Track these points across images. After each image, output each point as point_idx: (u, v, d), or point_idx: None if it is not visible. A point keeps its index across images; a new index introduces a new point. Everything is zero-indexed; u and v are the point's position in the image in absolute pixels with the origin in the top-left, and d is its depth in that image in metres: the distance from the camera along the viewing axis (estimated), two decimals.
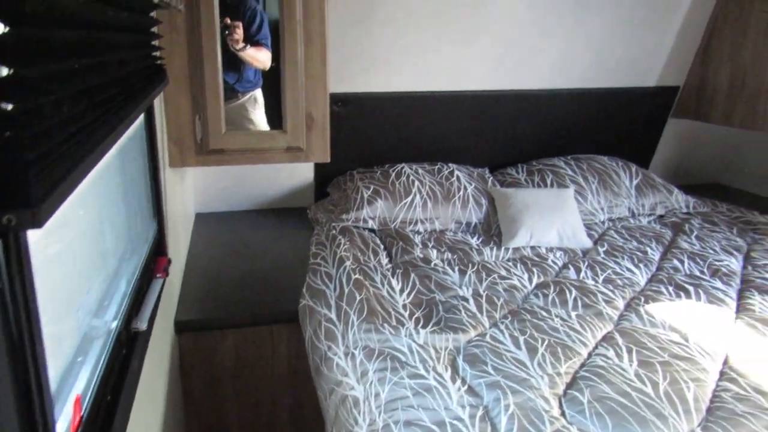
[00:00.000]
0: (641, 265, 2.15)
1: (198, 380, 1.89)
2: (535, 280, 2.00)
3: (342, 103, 2.69)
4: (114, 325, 0.93)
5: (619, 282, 2.00)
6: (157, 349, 1.40)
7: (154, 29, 1.29)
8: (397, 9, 2.48)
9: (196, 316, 1.86)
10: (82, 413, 0.73)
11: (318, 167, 2.84)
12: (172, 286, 1.78)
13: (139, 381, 1.02)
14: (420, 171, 2.63)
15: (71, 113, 0.61)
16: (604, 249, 2.30)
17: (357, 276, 1.85)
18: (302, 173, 2.86)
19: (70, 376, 0.83)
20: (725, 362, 1.54)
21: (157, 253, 1.34)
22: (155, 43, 1.33)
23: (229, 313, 1.90)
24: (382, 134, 2.81)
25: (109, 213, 1.12)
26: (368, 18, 2.49)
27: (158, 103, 1.72)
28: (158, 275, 1.23)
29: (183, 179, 2.26)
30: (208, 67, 1.78)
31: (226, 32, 1.98)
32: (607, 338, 1.62)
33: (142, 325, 1.01)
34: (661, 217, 2.72)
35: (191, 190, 2.70)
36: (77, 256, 0.92)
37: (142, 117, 1.31)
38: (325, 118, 1.96)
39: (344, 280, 1.83)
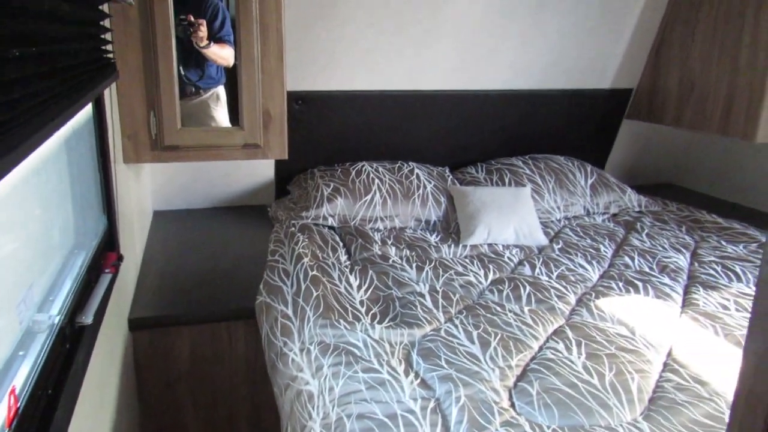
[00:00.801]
0: (594, 262, 2.21)
1: (153, 378, 1.87)
2: (490, 277, 2.03)
3: (302, 102, 2.69)
4: (58, 319, 0.92)
5: (572, 278, 2.05)
6: (108, 345, 1.38)
7: (105, 23, 1.28)
8: (357, 8, 2.49)
9: (150, 313, 1.83)
10: (18, 405, 0.72)
11: (278, 165, 2.83)
12: (125, 282, 1.75)
13: (85, 376, 1.01)
14: (380, 169, 2.65)
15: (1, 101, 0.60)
16: (559, 246, 2.36)
17: (314, 273, 1.86)
18: (263, 171, 2.85)
19: (10, 369, 0.82)
20: (669, 354, 1.60)
21: (107, 249, 1.33)
22: (105, 36, 1.31)
23: (185, 310, 1.88)
24: (343, 133, 2.82)
25: (53, 207, 1.10)
26: (329, 17, 2.49)
27: (111, 98, 1.69)
28: (106, 270, 1.22)
29: (139, 176, 2.23)
30: (162, 62, 1.76)
31: (190, 30, 1.97)
32: (558, 332, 1.66)
33: (88, 319, 1.00)
34: (614, 215, 2.80)
35: (149, 188, 2.66)
36: (18, 251, 0.91)
37: (90, 110, 1.29)
38: (283, 115, 1.96)
39: (301, 277, 1.83)
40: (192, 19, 1.95)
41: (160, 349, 1.85)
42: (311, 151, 2.81)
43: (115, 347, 1.52)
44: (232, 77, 2.08)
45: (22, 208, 0.93)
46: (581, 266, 2.16)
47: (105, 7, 1.41)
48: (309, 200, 2.49)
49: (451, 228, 2.51)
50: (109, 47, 1.35)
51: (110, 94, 1.68)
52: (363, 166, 2.67)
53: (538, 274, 2.07)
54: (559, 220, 2.69)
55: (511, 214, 2.45)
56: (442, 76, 2.79)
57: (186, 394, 1.93)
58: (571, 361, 1.49)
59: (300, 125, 2.73)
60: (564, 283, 1.98)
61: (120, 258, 1.44)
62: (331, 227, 2.44)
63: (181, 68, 2.07)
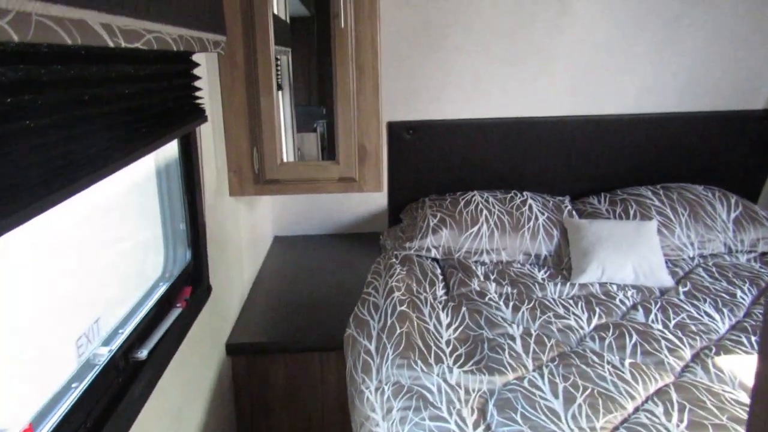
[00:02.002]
0: (725, 310, 1.94)
1: (249, 402, 1.95)
2: (594, 321, 1.86)
3: (414, 131, 2.70)
4: (112, 353, 1.00)
5: (692, 328, 1.81)
6: (192, 371, 1.47)
7: (197, 71, 1.38)
8: (467, 37, 2.46)
9: (248, 339, 1.93)
10: None
11: (392, 193, 2.86)
12: (225, 308, 1.86)
13: (147, 406, 1.08)
14: (490, 199, 2.56)
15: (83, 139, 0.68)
16: (686, 289, 2.10)
17: (403, 308, 1.84)
18: (376, 198, 2.89)
19: (60, 400, 0.89)
20: None
21: (187, 282, 1.42)
22: (196, 84, 1.42)
23: (282, 337, 1.95)
24: (456, 161, 2.78)
25: (142, 242, 1.20)
26: (439, 46, 2.49)
27: (216, 136, 1.82)
28: (177, 305, 1.30)
29: (253, 206, 2.37)
30: (264, 102, 1.86)
31: None
32: (660, 392, 1.47)
33: (142, 355, 1.07)
34: (763, 254, 2.44)
35: (269, 215, 2.82)
36: (93, 284, 1.00)
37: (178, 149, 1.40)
38: (379, 149, 1.97)
39: (389, 312, 1.82)
40: None
41: (257, 374, 1.93)
42: (424, 179, 2.80)
43: (206, 371, 1.61)
44: (330, 111, 2.14)
45: (112, 243, 1.02)
46: (707, 315, 1.91)
47: (202, 56, 1.52)
48: (415, 230, 2.48)
49: (563, 264, 2.35)
50: (199, 93, 1.45)
51: (215, 133, 1.81)
52: (473, 196, 2.60)
53: (651, 320, 1.86)
54: (692, 258, 2.41)
55: (630, 250, 2.24)
56: (560, 101, 2.65)
57: (280, 419, 1.99)
58: (668, 430, 1.31)
59: (412, 154, 2.74)
60: (681, 334, 1.76)
61: (209, 289, 1.53)
62: (434, 259, 2.41)
63: None
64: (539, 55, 2.52)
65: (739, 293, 2.06)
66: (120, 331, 1.10)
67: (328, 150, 2.09)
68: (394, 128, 2.70)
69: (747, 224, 2.49)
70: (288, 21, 2.23)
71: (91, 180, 0.84)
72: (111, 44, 0.80)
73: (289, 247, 2.79)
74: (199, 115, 1.40)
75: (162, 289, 1.28)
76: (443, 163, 2.78)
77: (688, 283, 2.15)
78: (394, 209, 2.90)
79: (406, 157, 2.76)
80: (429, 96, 2.63)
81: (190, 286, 1.39)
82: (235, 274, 2.02)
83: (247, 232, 2.23)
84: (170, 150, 1.38)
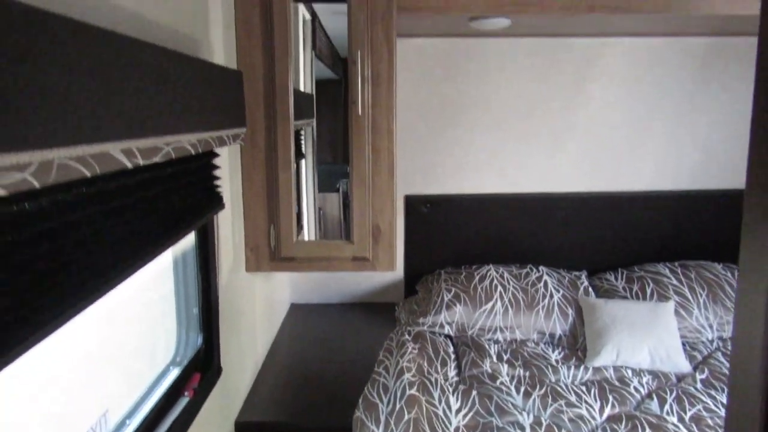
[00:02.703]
0: None
1: None
2: (607, 411, 1.83)
3: (431, 205, 2.74)
4: None
5: (708, 422, 1.77)
6: None
7: (216, 161, 1.44)
8: (484, 114, 2.53)
9: (259, 417, 1.93)
10: None
11: (408, 264, 2.88)
12: (235, 386, 1.87)
13: None
14: (505, 275, 2.57)
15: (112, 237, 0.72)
16: (703, 377, 2.06)
17: (413, 391, 1.83)
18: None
19: None
20: None
21: (197, 368, 1.44)
22: (215, 173, 1.48)
23: (293, 417, 1.94)
24: (472, 235, 2.80)
25: (153, 328, 1.23)
26: (458, 124, 2.56)
27: (234, 213, 1.88)
28: (185, 393, 1.32)
29: (270, 275, 2.40)
30: (282, 178, 1.92)
31: None
32: None
33: None
34: None
35: (286, 282, 2.85)
36: (103, 375, 1.03)
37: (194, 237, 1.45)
38: (393, 230, 2.01)
39: (399, 395, 1.81)
40: None
41: None
42: (440, 251, 2.83)
43: None
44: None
45: (125, 332, 1.06)
46: (725, 407, 1.86)
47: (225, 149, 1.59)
48: (429, 305, 2.49)
49: (577, 344, 2.33)
50: (218, 173, 1.51)
51: (234, 211, 1.87)
52: (489, 270, 2.61)
53: (666, 412, 1.82)
54: (711, 341, 2.36)
55: (646, 333, 2.21)
56: (576, 177, 2.68)
57: None
58: None
59: (429, 227, 2.78)
60: (695, 428, 1.71)
61: (219, 371, 1.55)
62: (447, 336, 2.40)
63: None
64: (555, 132, 2.57)
65: None
66: (127, 421, 1.12)
67: (348, 217, 2.14)
68: (411, 201, 2.74)
69: None
70: (313, 87, 2.30)
71: (108, 287, 0.88)
72: (129, 166, 0.86)
73: (305, 316, 2.81)
74: (217, 202, 1.45)
75: (172, 375, 1.31)
76: (459, 235, 2.81)
77: (706, 370, 2.11)
78: (410, 279, 2.91)
79: (423, 229, 2.79)
80: (446, 171, 2.69)
81: (199, 372, 1.41)
82: (247, 350, 2.04)
83: (262, 303, 2.27)
84: (188, 236, 1.43)
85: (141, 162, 0.90)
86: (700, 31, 2.28)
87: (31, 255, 0.70)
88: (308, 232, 2.35)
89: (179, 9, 1.28)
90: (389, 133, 1.94)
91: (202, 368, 1.46)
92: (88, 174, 0.74)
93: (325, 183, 2.41)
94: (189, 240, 1.44)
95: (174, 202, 1.16)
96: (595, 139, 2.58)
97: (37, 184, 0.63)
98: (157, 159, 0.96)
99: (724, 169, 2.65)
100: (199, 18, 1.44)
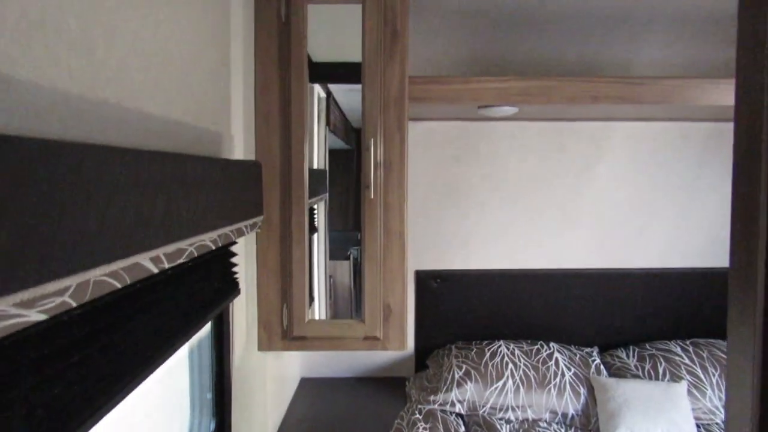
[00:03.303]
0: None
1: None
2: None
3: (441, 279, 2.78)
4: None
5: None
6: None
7: (233, 248, 1.50)
8: (493, 191, 2.60)
9: None
10: None
11: (418, 338, 2.89)
12: None
13: None
14: (516, 351, 2.57)
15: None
16: None
17: None
18: None
19: None
20: None
21: None
22: (233, 260, 1.54)
23: None
24: (483, 310, 2.82)
25: (162, 417, 1.26)
26: (467, 201, 2.63)
27: (248, 293, 1.93)
28: None
29: (281, 351, 2.42)
30: (295, 259, 1.98)
31: None
32: None
33: None
34: None
35: (297, 356, 2.86)
36: None
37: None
38: (403, 309, 2.04)
39: None
40: None
41: None
42: (451, 325, 2.84)
43: None
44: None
45: (141, 422, 1.08)
46: None
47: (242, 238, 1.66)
48: (440, 382, 2.48)
49: (591, 424, 2.30)
50: (235, 269, 1.57)
51: (248, 291, 1.92)
52: (499, 346, 2.61)
53: None
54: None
55: (659, 415, 2.19)
56: (586, 254, 2.72)
57: None
58: None
59: (439, 301, 2.81)
60: None
61: None
62: (458, 414, 2.39)
63: None
64: (563, 210, 2.63)
65: None
66: None
67: (362, 282, 2.18)
68: (421, 276, 2.78)
69: None
70: (326, 161, 2.37)
71: (130, 389, 0.92)
72: (156, 271, 0.92)
73: (315, 391, 2.80)
74: (234, 289, 1.50)
75: None
76: (470, 310, 2.83)
77: None
78: (420, 354, 2.92)
79: (433, 304, 2.82)
80: (456, 246, 2.74)
81: None
82: (258, 430, 2.04)
83: (273, 379, 2.28)
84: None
85: (167, 266, 0.95)
86: (700, 117, 2.36)
87: (61, 365, 0.75)
88: (318, 302, 2.39)
89: (204, 107, 1.38)
90: (401, 215, 2.00)
91: None
92: (119, 286, 0.79)
93: (336, 250, 2.45)
94: (205, 327, 1.49)
95: (194, 295, 1.21)
96: (603, 217, 2.64)
97: (74, 304, 0.68)
98: (181, 260, 1.01)
99: (728, 248, 2.68)
100: (222, 114, 1.54)
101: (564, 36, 2.35)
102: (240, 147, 1.74)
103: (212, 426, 1.49)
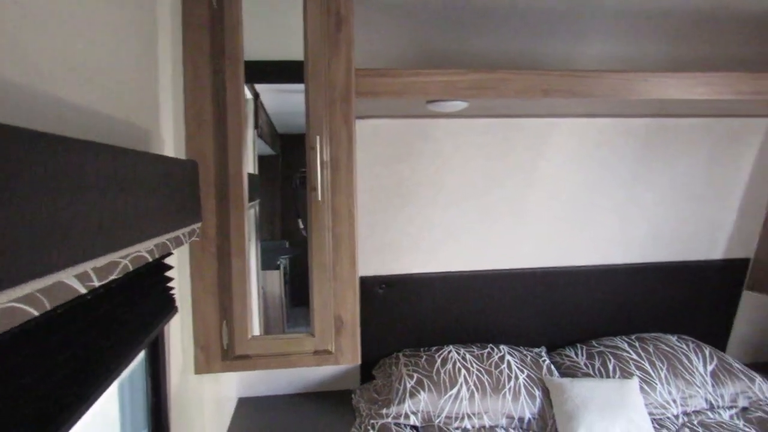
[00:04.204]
0: None
1: None
2: None
3: (387, 285, 2.65)
4: None
5: None
6: None
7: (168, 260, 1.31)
8: (439, 193, 2.50)
9: None
10: None
11: (364, 348, 2.74)
12: None
13: None
14: (467, 356, 2.48)
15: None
16: None
17: None
18: None
19: None
20: None
21: None
22: (168, 274, 1.35)
23: None
24: (429, 314, 2.72)
25: None
26: (413, 203, 2.51)
27: (184, 312, 1.72)
28: None
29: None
30: (235, 271, 1.79)
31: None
32: None
33: None
34: (744, 410, 2.39)
35: (233, 376, 2.65)
36: None
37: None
38: (355, 320, 1.90)
39: None
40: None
41: None
42: (397, 333, 2.72)
43: None
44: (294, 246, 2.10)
45: None
46: None
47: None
48: (391, 393, 2.35)
49: (548, 428, 2.24)
50: (171, 284, 1.38)
51: (183, 310, 1.71)
52: (450, 352, 2.52)
53: None
54: (677, 417, 2.33)
55: (616, 413, 2.16)
56: (531, 253, 2.68)
57: None
58: None
59: (385, 308, 2.68)
60: None
61: None
62: (413, 427, 2.26)
63: (300, 221, 2.11)
64: (510, 210, 2.56)
65: None
66: None
67: (291, 291, 2.03)
68: (366, 283, 2.64)
69: (724, 378, 2.46)
70: (256, 166, 2.21)
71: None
72: (83, 291, 0.73)
73: (254, 412, 2.60)
74: (170, 307, 1.31)
75: None
76: (416, 316, 2.72)
77: None
78: (365, 364, 2.77)
79: (378, 311, 2.69)
80: (402, 250, 2.62)
81: None
82: None
83: (210, 403, 2.07)
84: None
85: (97, 284, 0.77)
86: (641, 113, 2.37)
87: None
88: (251, 316, 2.21)
89: (129, 100, 1.18)
90: (350, 218, 1.86)
91: None
92: (36, 313, 0.61)
93: (266, 260, 2.31)
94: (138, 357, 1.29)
95: (126, 318, 1.02)
96: (548, 215, 2.60)
97: None
98: (113, 276, 0.83)
99: (671, 242, 2.72)
100: (149, 110, 1.34)
101: (509, 31, 2.29)
102: (170, 147, 1.55)
103: None
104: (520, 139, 2.41)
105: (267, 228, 2.33)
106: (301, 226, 2.21)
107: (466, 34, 2.28)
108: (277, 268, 2.35)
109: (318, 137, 1.79)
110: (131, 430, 1.25)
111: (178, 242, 1.22)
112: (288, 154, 2.26)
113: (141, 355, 1.30)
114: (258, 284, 2.26)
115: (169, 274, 1.39)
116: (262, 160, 2.28)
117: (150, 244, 0.99)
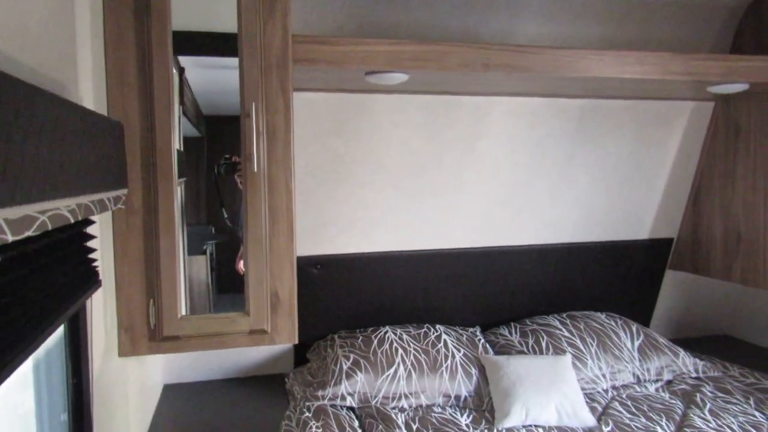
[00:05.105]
0: None
1: None
2: None
3: (322, 266, 2.58)
4: None
5: None
6: None
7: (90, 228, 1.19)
8: (375, 172, 2.44)
9: None
10: None
11: (299, 330, 2.66)
12: None
13: None
14: (404, 336, 2.45)
15: None
16: (608, 429, 2.06)
17: None
18: None
19: None
20: None
21: None
22: (90, 244, 1.22)
23: None
24: (365, 296, 2.67)
25: None
26: (349, 182, 2.44)
27: (107, 289, 1.59)
28: None
29: (142, 356, 2.08)
30: (164, 248, 1.67)
31: (238, 169, 1.89)
32: None
33: None
34: (669, 383, 2.49)
35: (158, 361, 2.50)
36: None
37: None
38: (293, 296, 1.82)
39: None
40: (237, 159, 1.88)
41: None
42: (333, 315, 2.66)
43: None
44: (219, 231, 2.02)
45: None
46: None
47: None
48: (327, 374, 2.29)
49: (484, 405, 2.25)
50: (95, 255, 1.25)
51: (105, 287, 1.58)
52: (386, 332, 2.48)
53: None
54: (606, 391, 2.40)
55: (551, 389, 2.19)
56: (468, 233, 2.67)
57: None
58: None
59: (319, 289, 2.61)
60: None
61: None
62: (350, 408, 2.21)
63: (224, 210, 2.01)
64: (446, 189, 2.54)
65: (659, 430, 2.04)
66: None
67: (218, 277, 1.93)
68: (300, 263, 2.55)
69: (650, 353, 2.56)
70: (181, 144, 2.09)
71: None
72: None
73: (182, 399, 2.46)
74: (93, 280, 1.19)
75: None
76: (352, 297, 2.67)
77: (610, 422, 2.11)
78: (299, 347, 2.70)
79: (313, 292, 2.61)
80: (337, 230, 2.55)
81: None
82: None
83: (135, 390, 1.94)
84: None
85: (10, 237, 0.66)
86: (576, 93, 2.40)
87: None
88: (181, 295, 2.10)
89: (43, 50, 1.05)
90: (288, 190, 1.78)
91: None
92: None
93: (191, 245, 2.20)
94: (57, 332, 1.16)
95: (42, 285, 0.91)
96: (484, 195, 2.60)
97: None
98: (30, 233, 0.72)
99: (601, 223, 2.79)
100: (66, 63, 1.21)
101: (447, 6, 2.26)
102: (90, 106, 1.41)
103: None
104: (458, 117, 2.39)
105: (192, 212, 2.22)
106: (226, 215, 2.11)
107: (406, 8, 2.23)
108: (203, 253, 2.23)
109: (253, 104, 1.69)
110: (48, 417, 1.13)
111: (102, 206, 1.10)
112: (214, 138, 2.15)
113: (60, 333, 1.17)
114: (184, 269, 2.13)
115: (91, 245, 1.26)
116: (186, 141, 2.15)
117: (71, 202, 0.88)
